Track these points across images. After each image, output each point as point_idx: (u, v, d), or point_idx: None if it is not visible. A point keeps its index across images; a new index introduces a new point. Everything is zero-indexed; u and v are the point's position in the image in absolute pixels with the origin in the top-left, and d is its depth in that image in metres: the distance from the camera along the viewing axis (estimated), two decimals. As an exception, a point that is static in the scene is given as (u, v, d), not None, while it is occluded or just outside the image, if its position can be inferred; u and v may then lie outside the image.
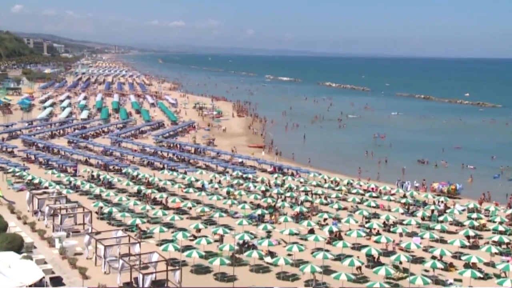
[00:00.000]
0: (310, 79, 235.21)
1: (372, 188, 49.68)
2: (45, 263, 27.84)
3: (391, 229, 37.27)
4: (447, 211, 42.46)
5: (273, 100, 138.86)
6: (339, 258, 30.87)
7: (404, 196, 46.98)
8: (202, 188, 46.79)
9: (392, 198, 45.63)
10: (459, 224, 40.16)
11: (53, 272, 26.81)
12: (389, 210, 43.03)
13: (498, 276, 28.73)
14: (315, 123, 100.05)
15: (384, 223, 38.67)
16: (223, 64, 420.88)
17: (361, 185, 51.03)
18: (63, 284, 25.60)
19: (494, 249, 31.78)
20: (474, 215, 41.04)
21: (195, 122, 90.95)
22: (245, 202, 42.05)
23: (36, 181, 45.96)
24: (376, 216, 41.38)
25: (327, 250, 30.84)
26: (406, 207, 44.14)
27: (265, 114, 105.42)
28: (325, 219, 38.90)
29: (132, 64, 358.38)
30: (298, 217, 39.61)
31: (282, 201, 43.33)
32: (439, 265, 28.61)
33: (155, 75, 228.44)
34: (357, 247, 32.99)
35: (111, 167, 55.55)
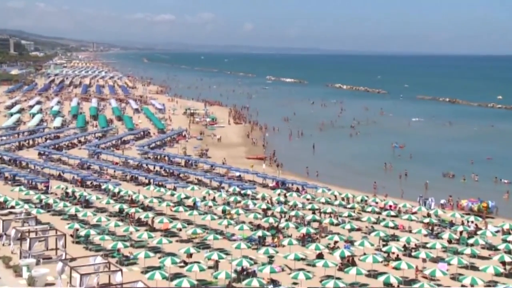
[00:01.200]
0: (317, 80, 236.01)
1: (390, 206, 49.64)
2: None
3: (413, 254, 37.20)
4: (478, 232, 42.39)
5: (275, 105, 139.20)
6: (352, 287, 30.75)
7: (428, 215, 46.92)
8: (193, 207, 46.75)
9: (413, 217, 45.56)
10: (492, 248, 40.01)
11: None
12: (410, 232, 42.95)
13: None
14: (324, 131, 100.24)
15: (404, 246, 38.61)
16: (217, 63, 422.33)
17: (377, 203, 50.98)
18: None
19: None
20: (510, 238, 40.92)
21: (186, 130, 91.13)
22: (243, 222, 41.98)
23: (0, 199, 45.95)
24: (395, 238, 41.31)
25: (338, 278, 30.72)
26: (430, 228, 44.07)
27: (266, 121, 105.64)
28: (335, 242, 38.84)
29: (113, 64, 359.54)
30: (305, 240, 39.57)
31: (286, 221, 43.30)
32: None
33: (139, 77, 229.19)
34: (373, 274, 32.91)
35: (88, 182, 55.56)
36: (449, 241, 40.61)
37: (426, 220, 45.29)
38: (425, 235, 41.59)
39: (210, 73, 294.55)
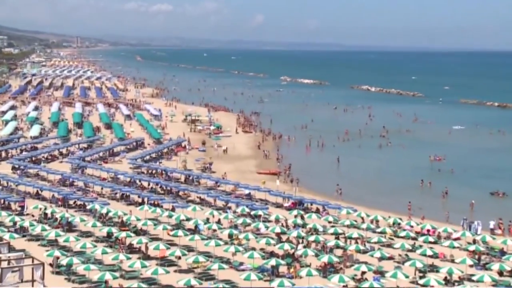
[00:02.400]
0: (341, 81, 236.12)
1: (428, 230, 49.36)
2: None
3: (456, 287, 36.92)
4: (534, 262, 41.99)
5: (290, 110, 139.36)
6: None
7: (474, 242, 46.60)
8: (195, 230, 46.80)
9: (456, 244, 45.26)
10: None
11: None
12: (453, 261, 42.67)
13: None
14: (349, 141, 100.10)
15: (445, 279, 38.36)
16: (223, 62, 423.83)
17: (412, 226, 50.74)
18: None
19: None
20: None
21: (186, 140, 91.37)
22: (253, 249, 41.95)
23: (-31, 221, 46.20)
24: (434, 269, 41.09)
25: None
26: (477, 256, 43.75)
27: (280, 129, 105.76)
28: (363, 273, 38.65)
29: (100, 63, 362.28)
30: (326, 270, 39.45)
31: (304, 247, 43.23)
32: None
33: (131, 77, 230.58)
34: (409, 312, 32.67)
35: (71, 202, 55.72)
36: (500, 273, 40.26)
37: (472, 247, 44.93)
38: (471, 266, 41.25)
39: (214, 73, 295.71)
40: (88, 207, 53.13)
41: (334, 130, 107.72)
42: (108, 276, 34.93)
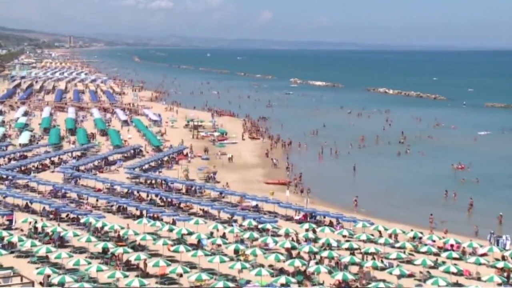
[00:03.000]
0: (355, 83, 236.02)
1: (452, 245, 49.14)
2: None
3: (483, 308, 36.69)
4: None
5: (301, 115, 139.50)
6: None
7: (502, 258, 46.32)
8: (198, 245, 46.74)
9: (482, 260, 45.02)
10: None
11: None
12: (479, 279, 42.42)
13: None
14: (364, 148, 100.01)
15: (471, 298, 38.07)
16: (228, 62, 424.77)
17: (434, 241, 50.50)
18: None
19: None
20: None
21: (188, 147, 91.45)
22: (261, 265, 41.89)
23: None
24: (459, 287, 40.79)
25: None
26: (505, 274, 43.48)
27: (290, 136, 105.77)
28: (382, 292, 38.43)
29: (95, 64, 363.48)
30: (342, 289, 39.25)
31: (317, 263, 43.12)
32: None
33: (129, 80, 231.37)
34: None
35: (63, 215, 55.74)
36: (530, 292, 39.98)
37: (500, 264, 44.63)
38: (499, 284, 40.97)
39: (218, 75, 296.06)
40: (82, 221, 53.09)
41: (349, 136, 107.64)
42: (103, 295, 34.88)
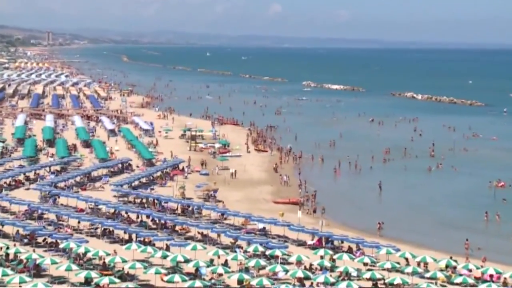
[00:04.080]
0: (379, 87, 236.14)
1: (491, 276, 48.96)
2: None
3: None
4: None
5: (315, 124, 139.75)
6: None
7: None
8: (196, 275, 46.69)
9: (526, 293, 44.80)
10: None
11: None
12: (522, 314, 42.24)
13: None
14: (389, 162, 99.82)
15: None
16: (231, 63, 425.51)
17: (471, 270, 50.32)
18: None
19: None
20: None
21: (184, 161, 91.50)
22: (269, 299, 41.74)
23: None
24: (499, 324, 40.69)
25: None
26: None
27: (302, 147, 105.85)
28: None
29: (78, 64, 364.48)
30: (362, 326, 39.16)
31: (334, 297, 42.94)
32: None
33: (116, 83, 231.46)
34: None
35: (40, 239, 55.69)
36: None
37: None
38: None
39: (220, 77, 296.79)
40: (61, 246, 52.94)
41: (371, 148, 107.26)
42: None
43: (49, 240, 55.35)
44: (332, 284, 45.72)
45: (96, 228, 59.84)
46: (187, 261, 48.93)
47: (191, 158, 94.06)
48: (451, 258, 52.33)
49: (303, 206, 71.96)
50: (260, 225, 61.15)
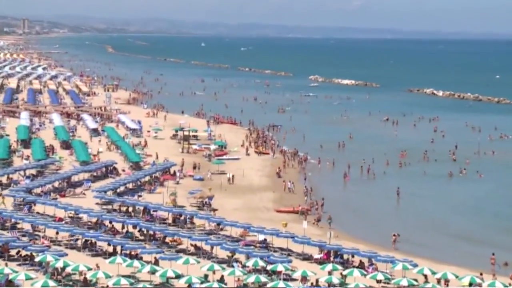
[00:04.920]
0: (395, 82, 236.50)
1: (521, 295, 48.99)
2: None
3: None
4: None
5: (323, 123, 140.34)
6: None
7: None
8: (187, 293, 46.65)
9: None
10: None
11: None
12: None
13: None
14: (406, 167, 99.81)
15: None
16: (229, 55, 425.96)
17: (497, 289, 50.35)
18: None
19: None
20: None
21: (176, 164, 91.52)
22: (270, 320, 41.76)
23: None
24: None
25: None
26: None
27: (308, 150, 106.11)
28: None
29: (57, 56, 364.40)
30: None
31: (343, 318, 43.00)
32: None
33: (100, 77, 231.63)
34: None
35: (13, 252, 55.66)
36: None
37: None
38: None
39: (216, 70, 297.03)
40: (37, 259, 52.91)
41: (385, 151, 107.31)
42: None
43: (24, 252, 55.26)
44: (341, 303, 45.87)
45: (77, 240, 59.79)
46: (178, 276, 48.96)
47: (186, 161, 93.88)
48: (481, 274, 52.36)
49: (309, 216, 71.77)
50: (261, 237, 61.11)
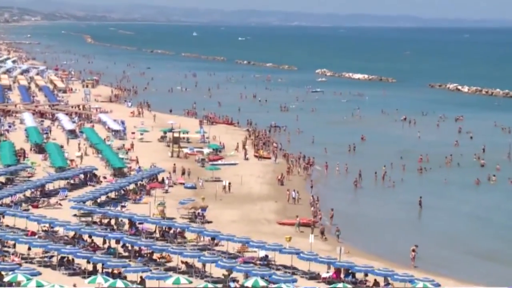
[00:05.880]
0: (413, 76, 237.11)
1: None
2: None
3: None
4: None
5: (331, 123, 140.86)
6: None
7: None
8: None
9: None
10: None
11: None
12: None
13: None
14: (426, 173, 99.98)
15: None
16: (225, 46, 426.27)
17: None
18: None
19: None
20: None
21: (165, 170, 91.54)
22: None
23: None
24: None
25: None
26: None
27: (314, 153, 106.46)
28: None
29: (28, 47, 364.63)
30: None
31: None
32: None
33: (78, 71, 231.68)
34: None
35: (-21, 269, 55.76)
36: None
37: None
38: None
39: (210, 63, 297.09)
40: (6, 279, 53.06)
41: (401, 155, 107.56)
42: None
43: (-8, 271, 55.42)
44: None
45: (51, 257, 59.80)
46: (167, 298, 49.16)
47: (177, 167, 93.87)
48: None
49: (316, 228, 71.69)
50: (261, 253, 61.21)
